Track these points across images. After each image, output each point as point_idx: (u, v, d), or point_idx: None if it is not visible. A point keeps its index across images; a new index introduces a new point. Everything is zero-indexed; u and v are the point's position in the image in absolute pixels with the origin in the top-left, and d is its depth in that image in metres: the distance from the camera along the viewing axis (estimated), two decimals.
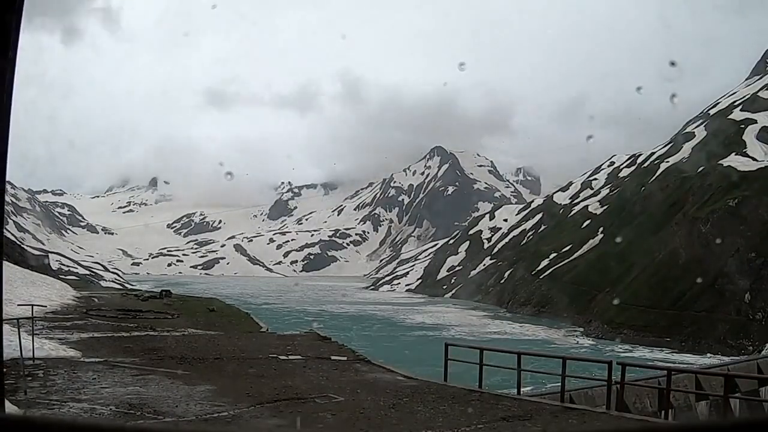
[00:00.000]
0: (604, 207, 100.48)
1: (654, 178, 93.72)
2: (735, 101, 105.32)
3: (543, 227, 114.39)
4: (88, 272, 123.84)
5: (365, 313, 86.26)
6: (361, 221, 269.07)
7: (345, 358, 16.46)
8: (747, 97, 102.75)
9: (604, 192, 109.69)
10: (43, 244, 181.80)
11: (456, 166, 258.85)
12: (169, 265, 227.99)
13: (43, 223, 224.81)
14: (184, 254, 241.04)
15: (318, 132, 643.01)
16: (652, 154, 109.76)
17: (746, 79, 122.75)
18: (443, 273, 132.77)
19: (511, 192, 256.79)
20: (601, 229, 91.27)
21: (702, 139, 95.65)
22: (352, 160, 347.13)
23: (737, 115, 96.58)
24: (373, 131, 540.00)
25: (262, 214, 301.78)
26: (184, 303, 32.11)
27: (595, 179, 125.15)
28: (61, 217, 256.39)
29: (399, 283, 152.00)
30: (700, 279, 57.20)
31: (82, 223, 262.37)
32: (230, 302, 39.77)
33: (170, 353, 15.67)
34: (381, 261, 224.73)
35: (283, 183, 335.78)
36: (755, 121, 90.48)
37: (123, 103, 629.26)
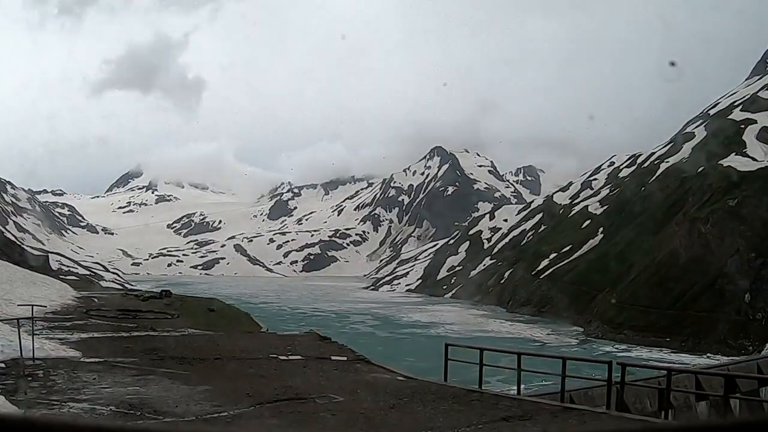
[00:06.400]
0: (604, 207, 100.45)
1: (654, 178, 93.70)
2: (735, 101, 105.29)
3: (543, 227, 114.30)
4: (88, 272, 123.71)
5: (367, 312, 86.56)
6: (361, 221, 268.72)
7: (345, 358, 16.47)
8: (747, 97, 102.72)
9: (604, 192, 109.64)
10: (43, 244, 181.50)
11: (456, 166, 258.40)
12: (169, 265, 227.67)
13: (43, 223, 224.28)
14: (184, 254, 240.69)
15: (318, 132, 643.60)
16: (652, 154, 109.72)
17: (746, 79, 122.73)
18: (443, 273, 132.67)
19: (511, 192, 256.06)
20: (601, 229, 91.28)
21: (702, 139, 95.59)
22: (352, 160, 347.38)
23: (737, 115, 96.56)
24: (372, 131, 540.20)
25: (262, 214, 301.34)
26: (184, 303, 32.07)
27: (595, 179, 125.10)
28: (61, 217, 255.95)
29: (399, 283, 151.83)
30: (700, 279, 57.29)
31: (82, 223, 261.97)
32: (230, 302, 39.76)
33: (170, 353, 15.67)
34: (381, 261, 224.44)
35: (283, 183, 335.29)
36: (755, 121, 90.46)
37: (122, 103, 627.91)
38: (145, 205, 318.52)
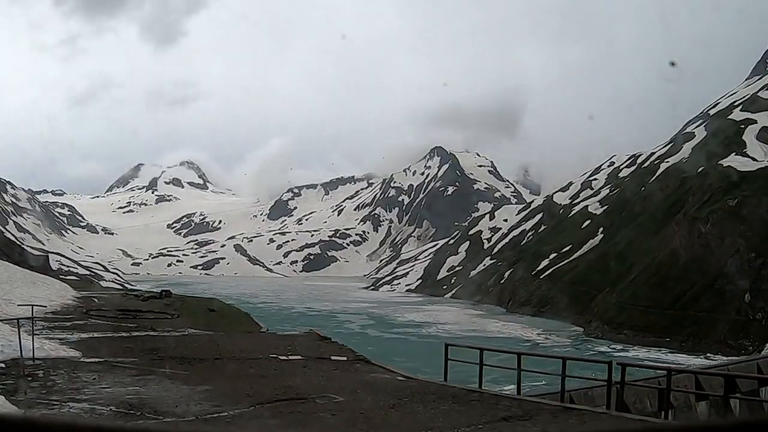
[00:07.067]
0: (604, 207, 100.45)
1: (654, 178, 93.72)
2: (735, 101, 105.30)
3: (543, 227, 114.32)
4: (88, 272, 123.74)
5: (364, 312, 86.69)
6: (361, 221, 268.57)
7: (345, 358, 16.48)
8: (747, 97, 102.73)
9: (604, 192, 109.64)
10: (43, 244, 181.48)
11: (456, 166, 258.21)
12: (169, 265, 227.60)
13: (43, 223, 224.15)
14: (184, 254, 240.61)
15: (318, 131, 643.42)
16: (652, 154, 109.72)
17: (746, 79, 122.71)
18: (443, 273, 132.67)
19: (511, 192, 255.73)
20: (601, 229, 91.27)
21: (702, 139, 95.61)
22: (352, 160, 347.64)
23: (737, 115, 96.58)
24: (372, 131, 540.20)
25: (262, 214, 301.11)
26: (184, 303, 32.09)
27: (595, 179, 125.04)
28: (61, 217, 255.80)
29: (399, 283, 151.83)
30: (700, 279, 57.27)
31: (82, 223, 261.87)
32: (230, 302, 39.79)
33: (170, 353, 15.67)
34: (381, 261, 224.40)
35: (282, 183, 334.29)
36: (755, 121, 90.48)
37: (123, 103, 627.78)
38: (145, 205, 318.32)
